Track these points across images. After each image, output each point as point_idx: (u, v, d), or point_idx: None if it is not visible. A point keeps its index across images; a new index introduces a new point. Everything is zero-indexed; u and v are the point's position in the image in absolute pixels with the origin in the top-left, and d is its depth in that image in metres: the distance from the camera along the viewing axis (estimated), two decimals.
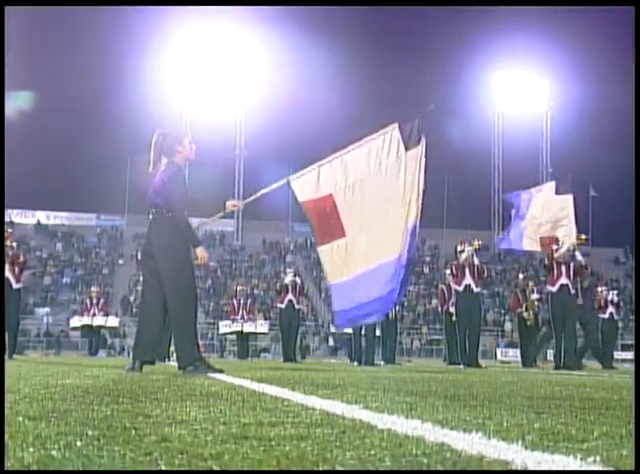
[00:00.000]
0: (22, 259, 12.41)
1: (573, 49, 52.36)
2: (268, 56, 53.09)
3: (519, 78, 58.74)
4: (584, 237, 13.86)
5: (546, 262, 12.74)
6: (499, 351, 36.30)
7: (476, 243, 13.63)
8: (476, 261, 13.11)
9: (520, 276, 17.22)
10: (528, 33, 53.97)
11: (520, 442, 1.88)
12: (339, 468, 1.48)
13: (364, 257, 7.15)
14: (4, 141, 11.95)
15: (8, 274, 11.80)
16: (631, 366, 17.72)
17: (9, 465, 1.45)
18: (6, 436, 1.82)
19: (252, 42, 53.71)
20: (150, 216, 6.48)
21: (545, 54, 55.11)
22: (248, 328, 18.24)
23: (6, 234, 12.03)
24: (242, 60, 55.09)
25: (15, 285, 11.99)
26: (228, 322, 18.62)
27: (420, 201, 7.22)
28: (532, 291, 15.57)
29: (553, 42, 53.46)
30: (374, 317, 7.62)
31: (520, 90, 58.88)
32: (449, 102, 55.57)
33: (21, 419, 2.25)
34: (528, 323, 15.10)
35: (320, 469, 1.47)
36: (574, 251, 12.68)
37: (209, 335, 38.92)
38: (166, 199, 6.31)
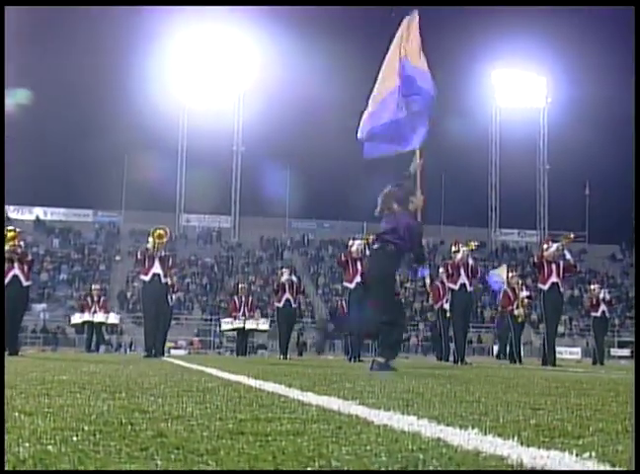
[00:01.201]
0: (30, 257, 12.56)
1: (571, 46, 52.38)
2: (265, 47, 52.96)
3: (517, 75, 58.76)
4: (572, 236, 14.03)
5: (536, 260, 12.95)
6: (495, 347, 36.34)
7: (472, 244, 13.83)
8: (470, 261, 13.35)
9: (510, 274, 17.41)
10: (527, 29, 53.97)
11: (515, 438, 1.88)
12: (335, 463, 1.48)
13: (374, 97, 8.96)
14: (4, 144, 12.01)
15: (18, 272, 12.00)
16: (627, 363, 17.80)
17: (8, 466, 1.44)
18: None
19: (249, 34, 53.58)
20: None
21: (543, 51, 55.12)
22: (250, 325, 18.39)
23: (14, 233, 12.21)
24: (239, 52, 54.95)
25: (25, 283, 12.16)
26: (230, 319, 18.71)
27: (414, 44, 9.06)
28: (522, 289, 15.82)
29: (551, 39, 53.48)
30: (396, 146, 8.78)
31: (518, 87, 58.92)
32: (447, 98, 55.60)
33: (17, 414, 2.25)
34: (519, 320, 15.43)
35: (316, 464, 1.48)
36: (563, 250, 12.87)
37: (207, 331, 38.95)
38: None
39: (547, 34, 53.67)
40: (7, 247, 12.08)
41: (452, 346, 14.40)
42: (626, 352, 33.77)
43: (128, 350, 32.28)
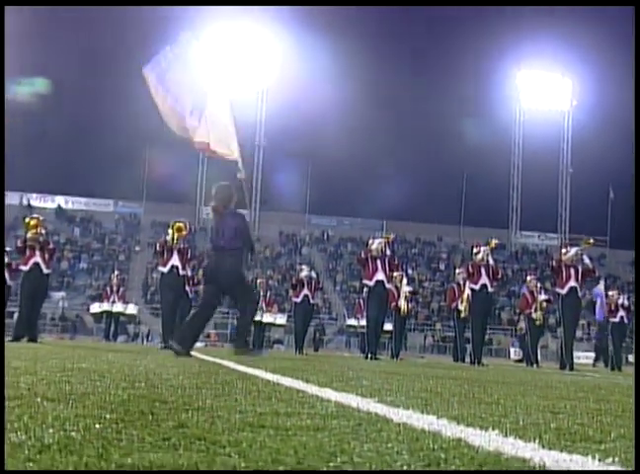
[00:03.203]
0: (51, 245, 12.66)
1: (597, 48, 51.95)
2: (287, 44, 52.94)
3: (541, 77, 58.36)
4: (591, 241, 13.93)
5: (554, 264, 12.89)
6: (512, 350, 36.20)
7: (493, 242, 13.74)
8: (491, 261, 13.26)
9: (529, 277, 17.32)
10: (553, 30, 53.60)
11: (537, 441, 1.87)
12: (357, 460, 1.48)
13: None
14: (4, 138, 12.14)
15: (39, 259, 12.12)
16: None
17: (34, 451, 1.46)
18: (25, 417, 1.84)
19: (272, 31, 53.60)
20: None
21: (569, 53, 54.73)
22: (267, 319, 18.48)
23: (37, 221, 12.36)
24: (262, 48, 54.97)
25: (45, 271, 12.27)
26: None
27: None
28: (540, 292, 15.76)
29: (578, 41, 53.05)
30: None
31: (543, 89, 58.51)
32: (471, 99, 55.39)
33: (39, 399, 2.27)
34: (537, 323, 15.36)
35: (338, 460, 1.48)
36: (582, 254, 12.80)
37: (224, 324, 39.04)
38: None
39: (573, 35, 53.27)
40: (29, 234, 12.21)
41: (468, 347, 14.36)
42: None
43: (146, 340, 32.45)
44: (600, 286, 18.10)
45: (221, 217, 8.08)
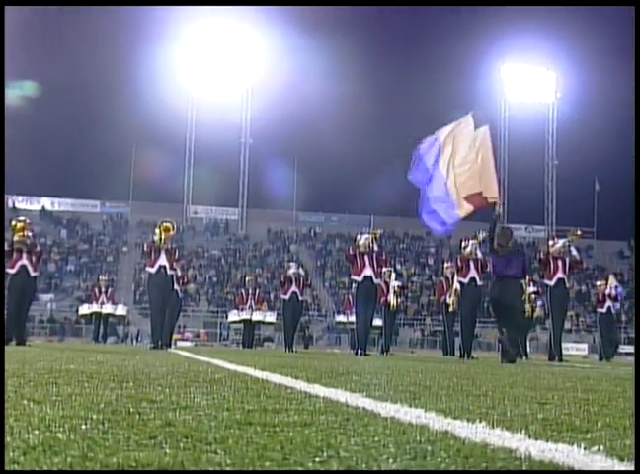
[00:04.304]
0: (38, 248, 12.61)
1: (581, 42, 52.10)
2: (272, 42, 52.83)
3: (526, 70, 58.50)
4: (579, 232, 13.99)
5: (542, 256, 12.94)
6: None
7: (480, 235, 13.74)
8: (479, 254, 13.26)
9: None
10: (537, 24, 53.74)
11: (523, 432, 1.88)
12: (343, 454, 1.48)
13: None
14: (4, 140, 12.05)
15: (26, 262, 12.04)
16: (632, 360, 17.78)
17: (18, 453, 1.45)
18: (11, 419, 1.83)
19: (257, 29, 53.48)
20: None
21: (553, 46, 54.87)
22: (257, 317, 18.47)
23: (23, 224, 12.28)
24: (247, 46, 54.82)
25: (32, 273, 12.21)
26: (237, 311, 18.81)
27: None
28: (529, 285, 15.80)
29: (561, 34, 53.21)
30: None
31: (528, 81, 58.66)
32: (456, 92, 55.45)
33: (25, 402, 2.26)
34: (526, 315, 15.41)
35: (324, 454, 1.48)
36: (569, 246, 12.84)
37: (214, 323, 39.01)
38: None
39: (557, 28, 53.43)
40: (16, 237, 12.14)
41: (458, 340, 14.38)
42: (632, 348, 33.67)
43: (135, 341, 32.37)
44: (612, 281, 18.04)
45: (505, 252, 10.18)
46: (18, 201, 51.68)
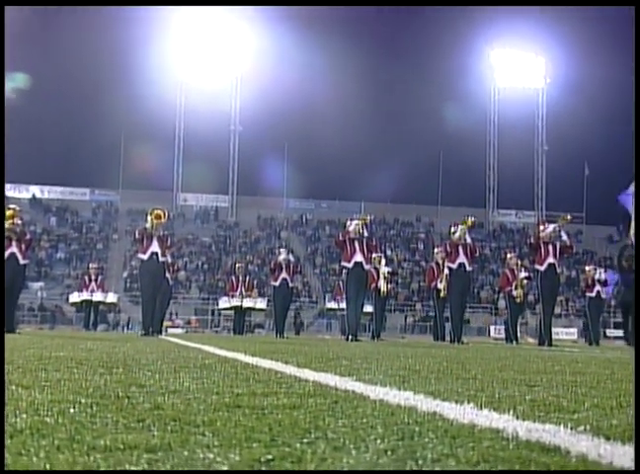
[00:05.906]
0: (28, 236, 12.59)
1: (570, 27, 52.05)
2: (262, 31, 52.64)
3: (515, 55, 58.47)
4: (568, 217, 14.04)
5: (532, 241, 12.98)
6: (492, 328, 36.49)
7: (470, 220, 13.76)
8: (468, 239, 13.31)
9: (509, 255, 17.42)
10: (526, 9, 53.65)
11: (511, 413, 1.89)
12: (331, 435, 1.49)
13: None
14: (4, 134, 11.97)
15: (15, 250, 12.04)
16: (622, 343, 17.90)
17: (6, 437, 1.45)
18: None
19: (247, 18, 53.27)
20: None
21: (542, 31, 54.80)
22: (247, 304, 18.49)
23: (13, 212, 12.25)
24: (237, 34, 54.60)
25: (22, 261, 12.20)
26: (227, 298, 18.83)
27: None
28: (521, 270, 15.88)
29: (550, 20, 53.17)
30: None
31: (517, 67, 58.65)
32: (446, 78, 55.39)
33: (14, 387, 2.25)
34: (517, 300, 15.49)
35: (312, 436, 1.48)
36: (559, 231, 12.89)
37: (205, 310, 38.99)
38: None
39: (546, 14, 53.38)
40: (6, 225, 12.10)
41: (448, 325, 14.44)
42: (622, 332, 33.87)
43: (126, 328, 32.34)
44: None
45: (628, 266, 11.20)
46: (7, 189, 51.38)
